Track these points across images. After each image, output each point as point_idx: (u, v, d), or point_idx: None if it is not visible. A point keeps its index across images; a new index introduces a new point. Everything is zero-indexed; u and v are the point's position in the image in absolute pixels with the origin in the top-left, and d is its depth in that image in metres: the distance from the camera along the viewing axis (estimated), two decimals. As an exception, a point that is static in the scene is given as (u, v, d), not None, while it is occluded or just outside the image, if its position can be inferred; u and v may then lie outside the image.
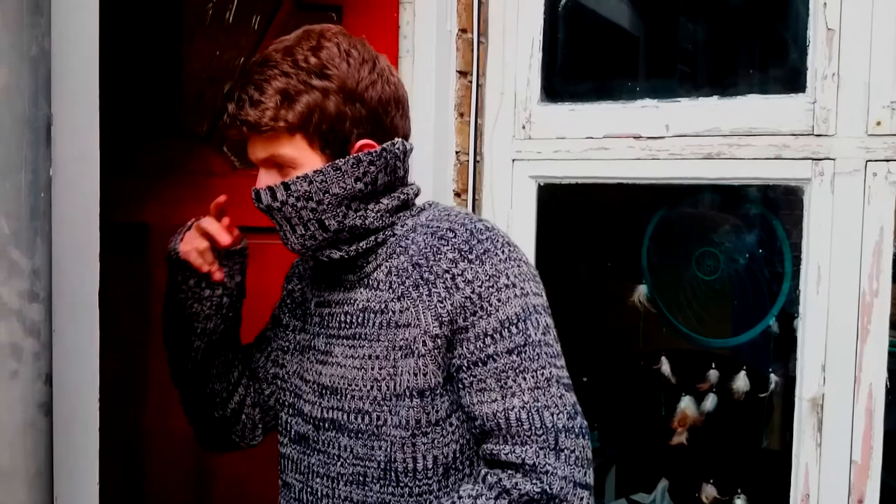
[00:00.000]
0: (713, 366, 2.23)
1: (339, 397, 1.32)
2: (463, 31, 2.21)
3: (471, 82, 2.23)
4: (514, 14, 2.23)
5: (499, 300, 1.23)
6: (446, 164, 2.20)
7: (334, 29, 1.34)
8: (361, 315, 1.32)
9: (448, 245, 1.26)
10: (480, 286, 1.23)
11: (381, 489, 1.28)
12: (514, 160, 2.23)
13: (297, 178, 1.27)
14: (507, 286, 1.24)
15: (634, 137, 2.08)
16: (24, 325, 1.14)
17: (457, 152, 2.22)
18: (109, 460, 1.44)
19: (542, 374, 1.23)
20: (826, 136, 1.88)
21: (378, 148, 1.30)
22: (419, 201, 1.42)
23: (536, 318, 1.25)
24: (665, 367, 2.29)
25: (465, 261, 1.24)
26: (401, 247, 1.32)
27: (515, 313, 1.24)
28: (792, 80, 1.96)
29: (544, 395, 1.22)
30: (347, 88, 1.27)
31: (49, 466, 1.17)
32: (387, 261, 1.32)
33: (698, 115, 2.02)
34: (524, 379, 1.22)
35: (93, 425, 1.31)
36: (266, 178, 1.31)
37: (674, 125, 2.04)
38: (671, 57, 2.43)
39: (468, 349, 1.24)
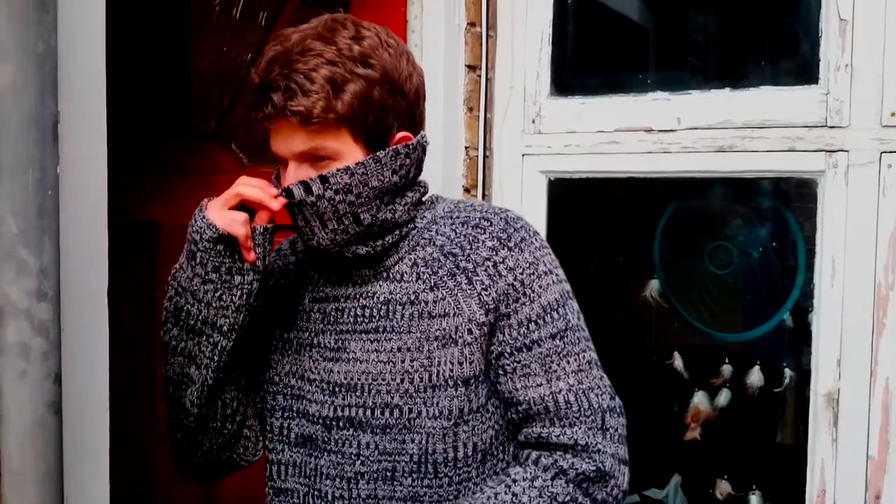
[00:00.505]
0: (726, 361, 2.22)
1: (358, 393, 1.29)
2: (471, 24, 2.20)
3: (480, 76, 2.22)
4: (523, 7, 2.21)
5: (540, 286, 1.27)
6: (455, 159, 2.19)
7: (357, 19, 1.31)
8: (384, 308, 1.29)
9: (485, 234, 1.28)
10: (522, 273, 1.26)
11: (413, 482, 1.27)
12: (523, 155, 2.21)
13: (338, 170, 1.22)
14: (546, 273, 1.28)
15: (646, 131, 2.06)
16: (33, 324, 1.13)
17: (466, 147, 2.20)
18: (119, 459, 1.43)
19: (584, 357, 1.28)
20: (840, 127, 1.86)
21: (414, 140, 1.30)
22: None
23: (572, 304, 1.31)
24: (678, 362, 2.27)
25: (506, 248, 1.27)
26: (424, 238, 1.31)
27: (555, 299, 1.28)
28: (804, 71, 1.93)
29: (587, 377, 1.27)
30: (390, 79, 1.25)
31: (59, 466, 1.17)
32: (410, 253, 1.31)
33: (710, 107, 2.00)
34: (567, 363, 1.26)
35: (103, 424, 1.30)
36: (297, 173, 1.24)
37: (685, 118, 2.02)
38: (682, 49, 2.41)
39: (511, 335, 1.26)
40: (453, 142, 2.18)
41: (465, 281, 1.26)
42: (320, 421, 1.32)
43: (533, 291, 1.26)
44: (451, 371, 1.26)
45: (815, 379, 1.88)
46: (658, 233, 2.27)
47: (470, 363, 1.26)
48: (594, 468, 1.23)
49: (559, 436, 1.24)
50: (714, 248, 2.25)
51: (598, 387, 1.28)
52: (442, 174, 2.12)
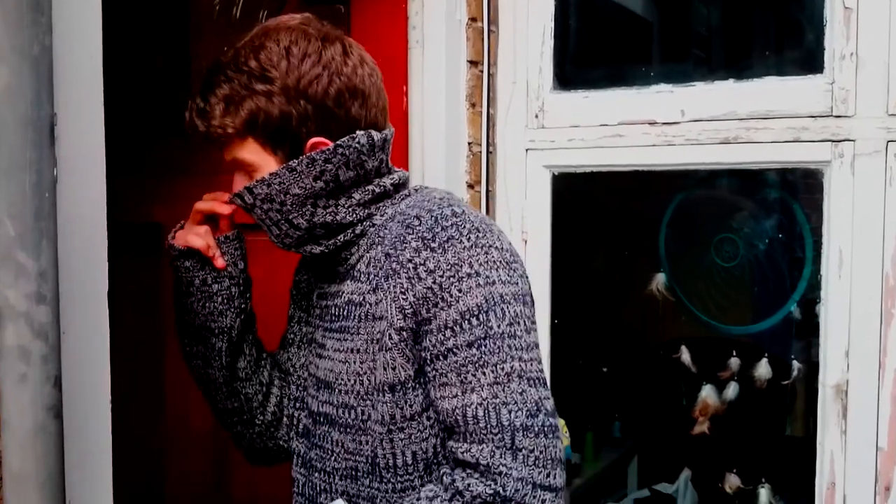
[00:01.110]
0: (734, 353, 2.20)
1: (329, 391, 1.31)
2: (473, 20, 2.18)
3: (482, 72, 2.21)
4: (525, 1, 2.20)
5: (459, 290, 1.17)
6: (458, 155, 2.18)
7: (286, 23, 1.30)
8: (346, 308, 1.29)
9: (413, 233, 1.21)
10: (441, 276, 1.18)
11: (369, 483, 1.27)
12: (527, 150, 2.20)
13: (257, 181, 1.28)
14: (469, 275, 1.18)
15: (649, 123, 2.04)
16: (32, 327, 1.13)
17: (469, 143, 2.19)
18: (126, 463, 1.43)
19: (503, 369, 1.16)
20: (845, 117, 1.84)
21: (331, 145, 1.26)
22: (411, 186, 1.38)
23: (502, 309, 1.18)
24: (685, 355, 2.26)
25: (428, 249, 1.19)
26: (379, 237, 1.28)
27: (477, 304, 1.17)
28: (809, 60, 1.92)
29: (503, 390, 1.16)
30: (289, 87, 1.25)
31: (60, 470, 1.16)
32: (367, 252, 1.29)
33: (714, 99, 1.98)
34: (483, 374, 1.16)
35: (104, 427, 1.30)
36: (238, 180, 1.34)
37: (689, 110, 2.00)
38: (685, 41, 2.39)
39: (431, 342, 1.19)
40: (456, 138, 2.17)
41: (393, 283, 1.21)
42: (311, 415, 1.37)
43: (451, 296, 1.17)
44: (384, 376, 1.23)
45: (824, 371, 1.87)
46: (663, 226, 2.26)
47: (393, 369, 1.22)
48: (491, 491, 1.13)
49: (464, 453, 1.16)
50: (720, 241, 2.24)
51: (515, 402, 1.15)
52: (445, 170, 2.11)
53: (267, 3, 2.20)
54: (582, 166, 2.15)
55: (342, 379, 1.28)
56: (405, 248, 1.21)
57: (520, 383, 1.17)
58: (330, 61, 1.27)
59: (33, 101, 1.12)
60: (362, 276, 1.28)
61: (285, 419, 1.47)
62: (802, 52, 2.00)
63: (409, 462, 1.25)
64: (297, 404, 1.43)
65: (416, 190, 1.35)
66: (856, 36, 1.82)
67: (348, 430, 1.28)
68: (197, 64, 2.22)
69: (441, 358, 1.18)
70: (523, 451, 1.14)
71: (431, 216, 1.22)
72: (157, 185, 2.13)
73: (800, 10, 2.05)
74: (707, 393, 2.22)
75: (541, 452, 1.15)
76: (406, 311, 1.19)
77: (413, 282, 1.19)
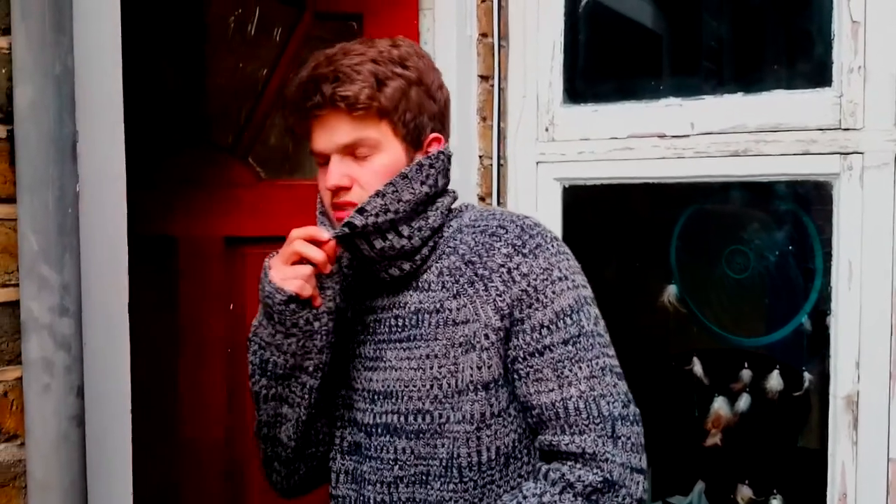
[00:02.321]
0: (746, 365, 2.21)
1: (393, 400, 1.33)
2: (483, 35, 2.21)
3: (492, 86, 2.23)
4: (535, 16, 2.22)
5: (553, 292, 1.28)
6: (470, 168, 2.20)
7: (398, 38, 1.40)
8: (414, 317, 1.34)
9: (501, 241, 1.31)
10: (535, 279, 1.28)
11: (441, 486, 1.30)
12: (538, 163, 2.22)
13: (371, 197, 1.29)
14: (560, 279, 1.29)
15: (659, 136, 2.06)
16: (55, 339, 1.16)
17: (480, 156, 2.21)
18: (143, 471, 1.45)
19: (597, 364, 1.28)
20: (854, 129, 1.85)
21: (435, 150, 1.36)
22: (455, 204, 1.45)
23: (588, 310, 1.31)
24: (697, 367, 2.26)
25: (520, 255, 1.29)
26: (449, 247, 1.35)
27: (569, 305, 1.28)
28: (817, 74, 1.93)
29: (600, 384, 1.27)
30: (425, 83, 1.34)
31: (83, 478, 1.19)
32: (436, 262, 1.35)
33: (723, 112, 2.00)
34: (580, 368, 1.27)
35: (125, 436, 1.32)
36: (340, 167, 1.31)
37: (699, 123, 2.02)
38: (694, 54, 2.41)
39: (524, 340, 1.28)
40: (467, 151, 2.19)
41: (483, 288, 1.29)
42: (363, 428, 1.37)
43: (546, 297, 1.28)
44: (472, 376, 1.29)
45: (835, 382, 1.87)
46: (674, 238, 2.27)
47: (489, 367, 1.29)
48: (601, 479, 1.22)
49: (568, 444, 1.25)
50: (731, 253, 2.25)
51: (611, 394, 1.27)
52: (457, 183, 2.13)
53: (281, 20, 2.23)
54: (592, 179, 2.17)
55: (414, 385, 1.32)
56: (494, 254, 1.30)
57: (611, 377, 1.29)
58: (441, 76, 1.41)
59: (56, 119, 1.16)
60: (433, 285, 1.34)
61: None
62: (811, 66, 2.01)
63: (493, 457, 1.30)
64: (340, 422, 1.42)
65: (466, 206, 1.44)
66: (864, 49, 1.84)
67: (420, 435, 1.31)
68: (212, 80, 2.25)
69: (536, 355, 1.27)
70: (622, 438, 1.25)
71: (516, 225, 1.32)
72: (172, 198, 2.15)
73: (808, 24, 2.07)
74: (719, 405, 2.23)
75: (636, 439, 1.27)
76: (503, 312, 1.28)
77: (508, 285, 1.28)
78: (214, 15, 2.27)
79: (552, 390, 1.27)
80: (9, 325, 1.19)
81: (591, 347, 1.28)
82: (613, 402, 1.26)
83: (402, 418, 1.32)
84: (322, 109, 1.29)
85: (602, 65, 2.41)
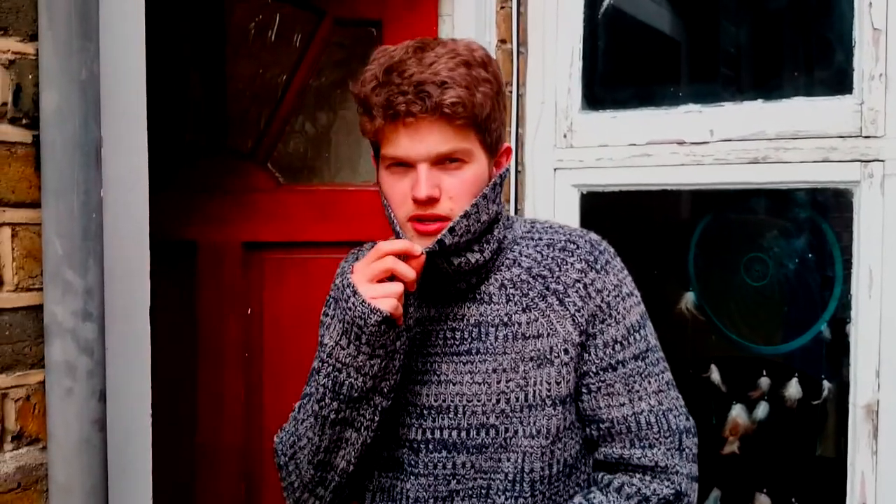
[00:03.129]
0: (764, 373, 2.19)
1: (452, 415, 1.30)
2: (502, 41, 2.21)
3: (511, 92, 2.23)
4: (554, 23, 2.23)
5: (625, 308, 1.30)
6: (488, 174, 2.20)
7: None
8: (475, 329, 1.31)
9: (574, 256, 1.31)
10: (608, 295, 1.29)
11: (506, 500, 1.28)
12: (555, 169, 2.22)
13: (459, 217, 1.22)
14: (628, 295, 1.31)
15: (678, 143, 2.06)
16: (79, 343, 1.16)
17: (499, 163, 2.21)
18: (161, 473, 1.46)
19: (664, 378, 1.31)
20: (875, 137, 1.84)
21: (505, 165, 1.33)
22: None
23: (649, 325, 1.33)
24: (715, 375, 2.25)
25: (594, 271, 1.30)
26: (508, 259, 1.33)
27: (637, 320, 1.31)
28: (838, 81, 1.92)
29: (667, 398, 1.30)
30: (500, 91, 1.27)
31: (104, 482, 1.19)
32: (495, 273, 1.33)
33: (743, 119, 1.99)
34: (649, 383, 1.29)
35: (145, 440, 1.33)
36: (430, 177, 1.21)
37: (718, 130, 2.01)
38: (714, 61, 2.40)
39: (597, 355, 1.28)
40: (486, 157, 2.19)
41: (557, 302, 1.29)
42: (407, 444, 1.31)
43: (618, 313, 1.29)
44: (549, 390, 1.28)
45: (854, 391, 1.86)
46: (693, 245, 2.26)
47: (567, 382, 1.29)
48: (673, 491, 1.25)
49: (640, 458, 1.26)
50: (749, 260, 2.24)
51: (676, 408, 1.30)
52: (475, 190, 2.13)
53: (301, 27, 2.24)
54: (610, 185, 2.17)
55: (479, 400, 1.29)
56: (568, 269, 1.30)
57: (674, 390, 1.32)
58: None
59: (81, 125, 1.17)
60: (496, 297, 1.31)
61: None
62: (831, 73, 2.00)
63: (561, 469, 1.30)
64: (377, 438, 1.32)
65: (509, 218, 1.39)
66: (885, 57, 1.83)
67: (483, 450, 1.28)
68: (233, 84, 2.26)
69: (610, 370, 1.28)
70: (686, 450, 1.28)
71: (585, 241, 1.33)
72: (192, 203, 2.17)
73: (829, 31, 2.06)
74: (737, 412, 2.21)
75: (695, 449, 1.30)
76: (582, 328, 1.29)
77: (585, 300, 1.29)
78: (235, 22, 2.29)
79: (623, 405, 1.28)
80: (32, 328, 1.20)
81: (657, 362, 1.31)
82: (679, 416, 1.29)
83: (462, 434, 1.29)
84: (424, 115, 1.18)
85: (621, 71, 2.40)
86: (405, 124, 1.19)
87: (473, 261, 1.27)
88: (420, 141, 1.20)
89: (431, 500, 1.30)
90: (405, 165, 1.23)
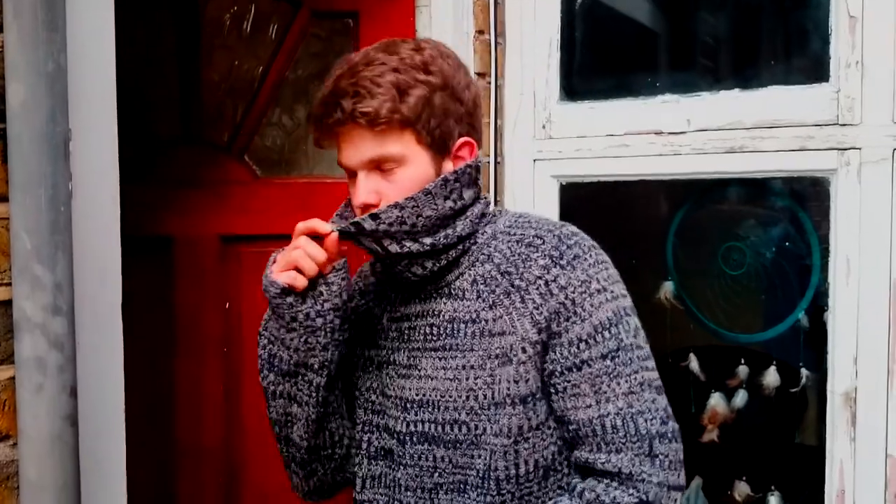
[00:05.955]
0: (742, 361, 2.21)
1: (430, 410, 1.31)
2: (480, 32, 2.21)
3: (489, 84, 2.22)
4: (531, 14, 2.22)
5: (592, 305, 1.24)
6: (467, 166, 2.19)
7: (423, 40, 1.36)
8: (449, 326, 1.31)
9: (538, 252, 1.28)
10: (573, 292, 1.24)
11: (478, 496, 1.27)
12: (535, 160, 2.22)
13: (389, 206, 1.25)
14: (598, 291, 1.25)
15: (656, 133, 2.06)
16: (49, 338, 1.15)
17: (477, 154, 2.21)
18: (137, 470, 1.44)
19: (636, 379, 1.24)
20: (851, 125, 1.85)
21: (465, 161, 1.32)
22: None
23: (627, 321, 1.27)
24: (693, 363, 2.26)
25: (557, 266, 1.26)
26: (483, 255, 1.32)
27: (608, 318, 1.25)
28: (815, 69, 1.93)
29: (638, 400, 1.23)
30: (450, 86, 1.29)
31: (76, 478, 1.18)
32: (469, 269, 1.32)
33: (720, 108, 2.00)
34: (618, 384, 1.23)
35: (119, 437, 1.32)
36: (367, 184, 1.28)
37: (695, 119, 2.02)
38: (691, 51, 2.40)
39: (562, 354, 1.24)
40: (464, 148, 2.18)
41: (519, 300, 1.26)
42: (395, 435, 1.34)
43: (584, 310, 1.24)
44: (510, 389, 1.26)
45: (832, 378, 1.87)
46: (671, 235, 2.27)
47: (526, 381, 1.26)
48: (636, 500, 1.20)
49: (604, 462, 1.22)
50: (728, 249, 2.24)
51: (649, 410, 1.23)
52: (453, 181, 2.12)
53: (277, 17, 2.22)
54: (589, 176, 2.17)
55: (450, 396, 1.29)
56: (531, 265, 1.27)
57: (650, 392, 1.24)
58: (470, 75, 1.36)
59: (48, 118, 1.15)
60: (468, 293, 1.31)
61: (354, 449, 1.43)
62: (808, 61, 2.01)
63: (531, 470, 1.28)
64: (367, 427, 1.40)
65: (501, 211, 1.40)
66: (861, 45, 1.83)
67: (458, 445, 1.28)
68: (208, 75, 2.24)
69: (574, 370, 1.24)
70: (659, 456, 1.22)
71: (553, 235, 1.29)
72: (168, 196, 2.15)
73: (805, 20, 2.06)
74: (716, 401, 2.23)
75: (673, 456, 1.23)
76: (540, 326, 1.25)
77: (546, 297, 1.25)
78: (210, 12, 2.26)
79: (589, 406, 1.23)
80: (1, 324, 1.18)
81: (629, 362, 1.24)
82: (651, 420, 1.22)
83: (438, 428, 1.30)
84: (343, 125, 1.25)
85: (599, 62, 2.40)
86: (339, 133, 1.28)
87: (414, 250, 1.27)
88: (352, 149, 1.27)
89: (419, 491, 1.31)
90: (353, 171, 1.29)
